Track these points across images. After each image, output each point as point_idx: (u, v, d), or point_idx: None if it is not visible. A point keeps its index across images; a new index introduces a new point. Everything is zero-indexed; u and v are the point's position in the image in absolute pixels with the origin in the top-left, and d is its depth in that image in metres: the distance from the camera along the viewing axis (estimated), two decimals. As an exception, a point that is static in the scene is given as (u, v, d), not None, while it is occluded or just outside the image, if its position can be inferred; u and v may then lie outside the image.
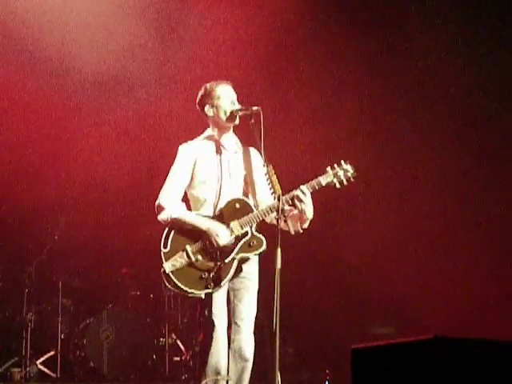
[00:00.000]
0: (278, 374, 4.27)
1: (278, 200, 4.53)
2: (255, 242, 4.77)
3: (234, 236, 4.74)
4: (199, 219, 4.80)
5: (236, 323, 4.82)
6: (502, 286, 7.84)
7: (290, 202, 4.69)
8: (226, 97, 4.95)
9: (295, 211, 4.77)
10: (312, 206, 4.73)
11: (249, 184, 5.00)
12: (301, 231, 4.78)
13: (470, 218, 8.25)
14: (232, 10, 8.06)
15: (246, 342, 4.80)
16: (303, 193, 4.68)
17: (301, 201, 4.67)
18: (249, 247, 4.77)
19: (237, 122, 4.97)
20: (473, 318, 7.71)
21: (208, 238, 4.72)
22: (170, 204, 4.84)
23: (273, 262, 4.32)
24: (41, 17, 7.76)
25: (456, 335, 2.96)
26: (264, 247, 4.76)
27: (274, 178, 4.63)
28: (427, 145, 8.52)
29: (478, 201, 8.25)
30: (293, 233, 4.52)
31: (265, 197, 4.92)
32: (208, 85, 5.03)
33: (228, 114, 4.92)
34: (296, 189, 4.71)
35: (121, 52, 8.03)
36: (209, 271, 4.69)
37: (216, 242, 4.70)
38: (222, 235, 4.72)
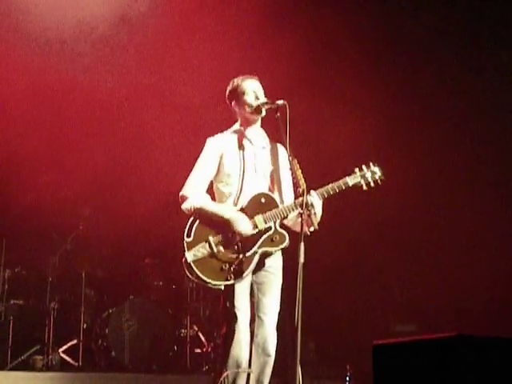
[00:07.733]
0: (299, 369, 4.27)
1: (303, 194, 4.52)
2: (278, 238, 4.76)
3: (257, 230, 4.74)
4: (222, 208, 4.80)
5: (259, 317, 4.81)
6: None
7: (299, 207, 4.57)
8: (250, 92, 4.96)
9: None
10: (320, 215, 4.66)
11: (274, 180, 5.00)
12: (308, 233, 4.51)
13: (493, 215, 8.20)
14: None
15: (269, 337, 4.80)
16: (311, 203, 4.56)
17: (312, 206, 4.54)
18: (271, 242, 4.76)
19: (263, 113, 4.97)
20: (496, 316, 7.66)
21: (230, 228, 4.72)
22: (193, 194, 4.85)
23: (296, 257, 4.31)
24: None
25: (479, 333, 2.94)
26: (286, 243, 4.75)
27: (299, 172, 4.62)
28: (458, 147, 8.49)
29: (501, 199, 8.21)
30: (308, 233, 4.45)
31: (289, 195, 4.93)
32: (235, 80, 5.06)
33: (253, 108, 4.93)
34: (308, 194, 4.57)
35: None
36: (230, 263, 4.68)
37: (237, 230, 4.69)
38: (244, 225, 4.71)
